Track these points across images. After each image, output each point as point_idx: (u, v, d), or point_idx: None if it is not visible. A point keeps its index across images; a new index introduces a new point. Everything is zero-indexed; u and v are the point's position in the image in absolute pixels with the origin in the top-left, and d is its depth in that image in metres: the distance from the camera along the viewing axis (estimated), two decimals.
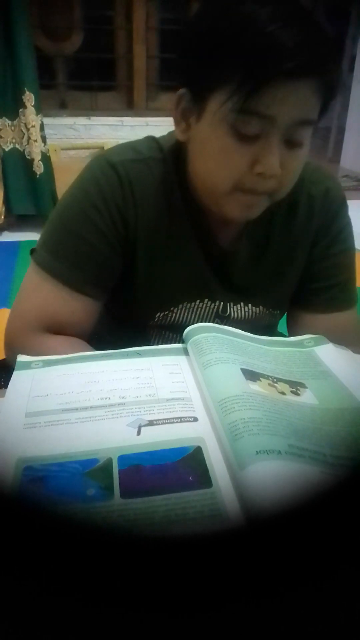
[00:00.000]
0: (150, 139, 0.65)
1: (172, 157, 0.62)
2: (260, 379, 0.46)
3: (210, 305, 0.68)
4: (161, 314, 0.68)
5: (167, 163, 0.62)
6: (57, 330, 0.61)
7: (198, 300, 0.68)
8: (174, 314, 0.68)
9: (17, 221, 2.84)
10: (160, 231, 0.63)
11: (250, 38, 0.47)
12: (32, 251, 0.63)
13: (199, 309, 0.68)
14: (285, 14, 0.47)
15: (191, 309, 0.68)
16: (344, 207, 0.69)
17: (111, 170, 0.60)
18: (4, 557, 0.29)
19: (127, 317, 0.70)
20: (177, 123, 0.58)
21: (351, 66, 3.88)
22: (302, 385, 0.46)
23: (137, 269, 0.64)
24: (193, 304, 0.68)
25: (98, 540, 0.30)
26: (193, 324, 0.53)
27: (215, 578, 0.28)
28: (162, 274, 0.65)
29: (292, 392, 0.45)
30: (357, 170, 3.84)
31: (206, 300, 0.68)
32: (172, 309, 0.68)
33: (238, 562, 0.29)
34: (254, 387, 0.44)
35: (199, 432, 0.40)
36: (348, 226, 0.70)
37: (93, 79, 3.08)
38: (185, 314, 0.68)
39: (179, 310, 0.68)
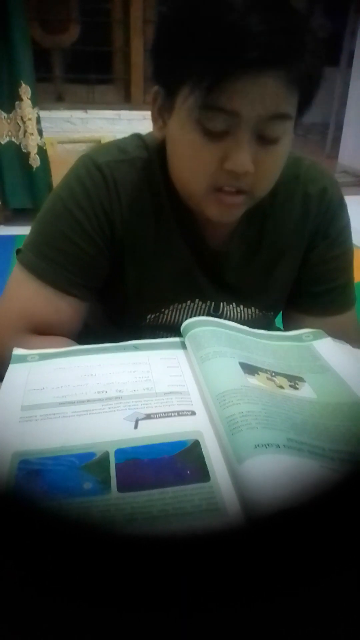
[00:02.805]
0: (136, 137, 0.64)
1: (157, 156, 0.61)
2: (259, 372, 0.45)
3: (202, 305, 0.68)
4: (152, 315, 0.67)
5: (153, 162, 0.61)
6: (43, 331, 0.60)
7: (189, 301, 0.67)
8: (165, 315, 0.67)
9: (13, 215, 2.82)
10: (148, 232, 0.62)
11: (209, 30, 0.45)
12: (18, 251, 0.62)
13: (190, 309, 0.68)
14: (250, 2, 0.45)
15: (182, 309, 0.67)
16: (341, 207, 0.67)
17: (96, 171, 0.59)
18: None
19: (120, 317, 0.69)
20: (154, 121, 0.57)
21: (350, 62, 3.87)
22: (301, 380, 0.46)
23: (126, 271, 0.64)
24: (184, 304, 0.67)
25: (94, 537, 0.30)
26: None
27: (214, 576, 0.28)
28: (151, 275, 0.64)
29: (290, 386, 0.45)
30: (355, 167, 3.83)
31: (197, 301, 0.67)
32: (163, 310, 0.67)
33: (237, 560, 0.29)
34: (252, 380, 0.43)
35: (196, 425, 0.40)
36: (347, 227, 0.68)
37: (90, 72, 3.06)
38: (177, 314, 0.68)
39: (170, 312, 0.67)
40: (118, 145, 0.63)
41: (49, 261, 0.59)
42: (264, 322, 0.72)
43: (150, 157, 0.61)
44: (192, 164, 0.53)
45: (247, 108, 0.47)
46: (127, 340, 0.54)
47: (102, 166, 0.59)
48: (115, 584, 0.27)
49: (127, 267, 0.64)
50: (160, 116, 0.56)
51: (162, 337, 0.69)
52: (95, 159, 0.60)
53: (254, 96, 0.47)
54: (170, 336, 0.55)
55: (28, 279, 0.60)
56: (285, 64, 0.46)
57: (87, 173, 0.60)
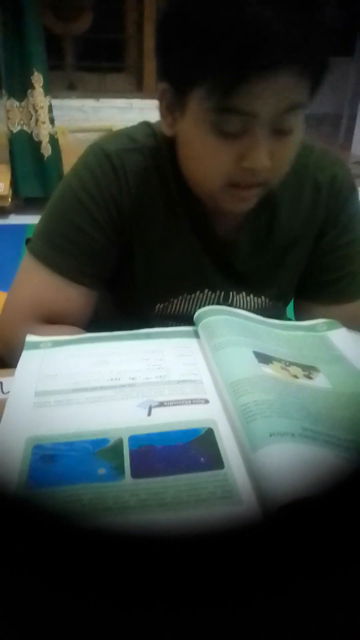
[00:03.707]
0: (145, 125, 0.63)
1: (166, 145, 0.61)
2: (273, 362, 0.45)
3: (211, 295, 0.67)
4: (161, 305, 0.67)
5: (162, 151, 0.61)
6: (52, 320, 0.60)
7: (198, 292, 0.67)
8: (174, 305, 0.67)
9: (25, 204, 2.82)
10: (157, 221, 0.62)
11: (223, 32, 0.44)
12: (28, 241, 0.62)
13: (200, 300, 0.67)
14: (259, 1, 0.43)
15: (191, 300, 0.67)
16: (353, 194, 0.66)
17: (106, 159, 0.59)
18: (9, 545, 0.29)
19: (129, 307, 0.69)
20: (163, 117, 0.56)
21: None
22: (315, 369, 0.46)
23: (135, 260, 0.64)
24: (193, 295, 0.67)
25: (104, 533, 0.30)
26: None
27: (228, 567, 0.28)
28: (159, 265, 0.64)
29: (304, 375, 0.44)
30: None
31: (206, 291, 0.67)
32: (171, 300, 0.67)
33: (252, 551, 0.28)
34: (266, 370, 0.43)
35: (210, 414, 0.40)
36: (357, 214, 0.67)
37: (102, 60, 3.04)
38: (186, 305, 0.67)
39: (179, 302, 0.67)
40: (127, 134, 0.62)
41: (59, 250, 0.59)
42: (274, 312, 0.72)
43: (159, 145, 0.61)
44: (207, 164, 0.53)
45: (264, 108, 0.47)
46: (137, 329, 0.54)
47: (111, 155, 0.59)
48: (126, 580, 0.27)
49: (136, 256, 0.63)
50: (170, 113, 0.55)
51: (170, 327, 0.69)
52: (105, 147, 0.60)
53: (272, 95, 0.46)
54: (180, 326, 0.55)
55: (38, 268, 0.60)
56: (300, 61, 0.45)
57: (97, 162, 0.59)
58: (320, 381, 0.44)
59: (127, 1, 2.92)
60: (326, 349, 0.50)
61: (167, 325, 0.68)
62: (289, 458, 0.32)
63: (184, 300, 0.67)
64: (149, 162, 0.60)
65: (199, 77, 0.47)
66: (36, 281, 0.61)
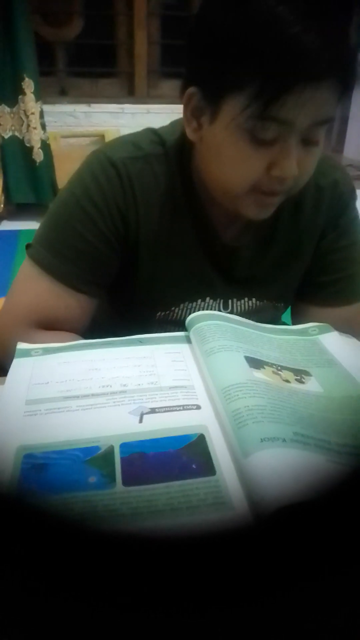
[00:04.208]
0: (151, 132, 0.63)
1: (175, 152, 0.60)
2: (264, 366, 0.45)
3: (212, 303, 0.68)
4: (162, 313, 0.67)
5: (170, 159, 0.60)
6: (50, 327, 0.60)
7: (199, 300, 0.67)
8: (175, 313, 0.67)
9: (17, 210, 2.82)
10: (162, 230, 0.62)
11: (269, 41, 0.44)
12: (28, 246, 0.62)
13: (201, 308, 0.67)
14: (303, 12, 0.44)
15: (193, 308, 0.67)
16: (353, 198, 0.67)
17: (111, 168, 0.58)
18: (2, 549, 0.28)
19: (129, 314, 0.69)
20: (187, 122, 0.55)
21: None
22: (307, 373, 0.46)
23: (139, 269, 0.63)
24: (195, 303, 0.67)
25: (98, 535, 0.30)
26: None
27: (220, 573, 0.27)
28: (163, 273, 0.64)
29: (296, 380, 0.44)
30: None
31: (208, 299, 0.67)
32: (173, 308, 0.67)
33: (243, 555, 0.28)
34: (258, 374, 0.43)
35: (202, 420, 0.40)
36: (356, 219, 0.68)
37: (93, 65, 3.04)
38: (187, 313, 0.67)
39: (180, 310, 0.67)
40: (132, 141, 0.61)
41: (61, 257, 0.59)
42: (273, 313, 0.72)
43: (167, 153, 0.61)
44: (237, 170, 0.53)
45: (302, 117, 0.48)
46: (135, 334, 0.54)
47: (117, 163, 0.58)
48: (119, 582, 0.27)
49: (141, 265, 0.63)
50: (195, 118, 0.54)
51: (170, 331, 0.69)
52: (110, 155, 0.59)
53: (310, 106, 0.47)
54: (180, 330, 0.55)
55: (38, 274, 0.60)
56: (340, 74, 0.47)
57: (102, 170, 0.59)
58: (312, 385, 0.44)
59: (117, 6, 2.93)
60: (318, 352, 0.50)
61: (166, 330, 0.68)
62: (280, 463, 0.32)
63: (185, 308, 0.67)
64: (154, 171, 0.60)
65: (240, 84, 0.47)
66: (36, 287, 0.60)
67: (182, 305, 0.67)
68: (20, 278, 0.62)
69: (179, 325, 0.66)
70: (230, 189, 0.55)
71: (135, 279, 0.64)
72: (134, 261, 0.63)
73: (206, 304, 0.67)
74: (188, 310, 0.67)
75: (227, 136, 0.51)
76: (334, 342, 0.52)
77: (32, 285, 0.60)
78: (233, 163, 0.52)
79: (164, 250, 0.63)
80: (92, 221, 0.58)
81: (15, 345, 0.51)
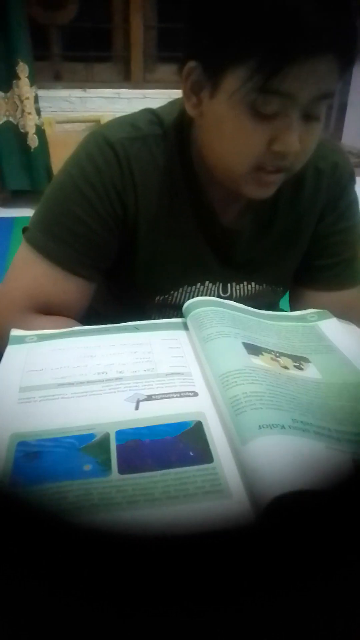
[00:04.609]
0: (149, 112, 0.62)
1: (173, 132, 0.59)
2: (263, 353, 0.44)
3: (211, 287, 0.67)
4: (161, 298, 0.66)
5: (168, 140, 0.59)
6: (48, 311, 0.59)
7: (199, 284, 0.66)
8: (173, 297, 0.66)
9: (12, 197, 2.79)
10: (161, 212, 0.61)
11: (271, 13, 0.44)
12: (24, 230, 0.61)
13: (200, 292, 0.67)
14: None
15: (191, 292, 0.67)
16: (352, 182, 0.67)
17: (109, 148, 0.57)
18: None
19: (128, 298, 0.68)
20: (186, 97, 0.54)
21: None
22: (306, 360, 0.45)
23: (138, 252, 0.62)
24: (194, 287, 0.66)
25: (93, 530, 0.29)
26: None
27: (220, 565, 0.27)
28: (162, 256, 0.63)
29: (295, 366, 0.44)
30: (359, 147, 3.78)
31: (207, 283, 0.66)
32: (172, 292, 0.66)
33: (244, 549, 0.28)
34: (256, 361, 0.42)
35: (199, 407, 0.39)
36: (355, 202, 0.68)
37: (89, 49, 2.99)
38: (185, 297, 0.67)
39: (179, 294, 0.66)
40: (130, 122, 0.60)
41: (58, 241, 0.58)
42: (272, 297, 0.72)
43: (165, 133, 0.59)
44: (238, 145, 0.52)
45: (304, 91, 0.47)
46: (133, 320, 0.53)
47: (114, 144, 0.57)
48: (116, 578, 0.26)
49: (140, 247, 0.62)
50: (194, 93, 0.53)
51: (169, 315, 0.68)
52: (108, 136, 0.58)
53: (312, 79, 0.47)
54: (177, 314, 0.54)
55: (35, 258, 0.59)
56: (340, 48, 0.46)
57: (99, 150, 0.57)
58: (310, 372, 0.43)
59: None
60: (317, 339, 0.50)
61: (165, 314, 0.68)
62: (279, 450, 0.32)
63: (184, 292, 0.66)
64: (153, 151, 0.59)
65: (241, 56, 0.46)
66: (33, 272, 0.59)
67: (181, 289, 0.66)
68: (17, 262, 0.61)
69: (178, 309, 0.65)
70: (232, 166, 0.54)
71: (133, 262, 0.63)
72: (132, 244, 0.62)
73: (205, 288, 0.67)
74: (187, 294, 0.66)
75: (227, 110, 0.50)
76: (332, 328, 0.52)
77: (29, 270, 0.60)
78: (234, 138, 0.51)
79: (162, 233, 0.62)
80: (89, 203, 0.57)
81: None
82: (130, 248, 0.62)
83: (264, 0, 0.44)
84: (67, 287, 0.59)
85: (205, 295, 0.67)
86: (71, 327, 0.54)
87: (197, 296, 0.67)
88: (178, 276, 0.65)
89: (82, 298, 0.61)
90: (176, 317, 0.55)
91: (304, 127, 0.50)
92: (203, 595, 0.25)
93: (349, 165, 0.67)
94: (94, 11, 2.93)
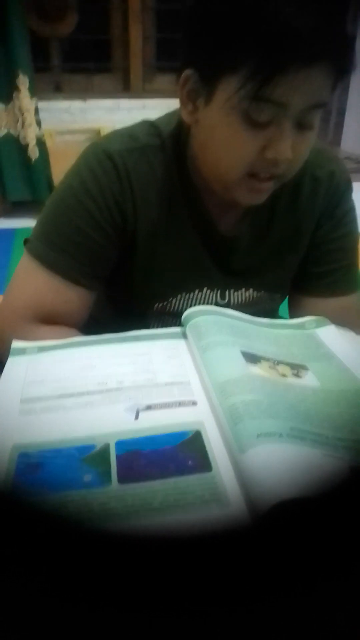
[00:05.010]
0: (148, 124, 0.63)
1: (171, 143, 0.61)
2: (261, 361, 0.45)
3: (210, 294, 0.68)
4: (160, 305, 0.67)
5: (166, 150, 0.60)
6: (49, 321, 0.60)
7: (197, 290, 0.67)
8: (172, 304, 0.67)
9: (13, 208, 2.81)
10: (159, 221, 0.62)
11: (264, 22, 0.45)
12: (26, 241, 0.62)
13: (198, 298, 0.67)
14: None
15: (190, 299, 0.67)
16: (349, 190, 0.68)
17: (108, 160, 0.58)
18: None
19: (127, 306, 0.69)
20: (183, 104, 0.55)
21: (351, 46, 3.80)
22: (304, 368, 0.46)
23: (137, 260, 0.63)
24: (192, 294, 0.67)
25: (94, 534, 0.30)
26: None
27: (217, 570, 0.27)
28: (161, 264, 0.64)
29: (293, 374, 0.44)
30: (358, 152, 3.79)
31: (205, 289, 0.67)
32: (170, 299, 0.67)
33: (241, 554, 0.28)
34: (255, 369, 0.43)
35: (198, 416, 0.39)
36: (352, 210, 0.68)
37: (88, 61, 3.02)
38: (184, 303, 0.67)
39: (178, 301, 0.67)
40: (129, 133, 0.61)
41: (59, 251, 0.59)
42: (270, 304, 0.72)
43: (163, 144, 0.61)
44: (232, 152, 0.53)
45: (296, 100, 0.48)
46: (132, 328, 0.54)
47: (113, 155, 0.59)
48: (116, 582, 0.27)
49: (139, 256, 0.63)
50: (191, 101, 0.54)
51: (168, 322, 0.69)
52: (107, 147, 0.59)
53: (304, 88, 0.47)
54: (177, 321, 0.54)
55: (37, 268, 0.60)
56: (333, 58, 0.47)
57: (99, 162, 0.59)
58: (308, 379, 0.44)
59: (112, 2, 2.91)
60: (315, 346, 0.50)
61: (164, 321, 0.68)
62: (277, 459, 0.32)
63: (182, 299, 0.67)
64: (151, 162, 0.60)
65: (235, 65, 0.47)
66: (35, 282, 0.60)
67: (179, 296, 0.67)
68: (19, 273, 0.62)
69: (177, 316, 0.66)
70: (225, 173, 0.55)
71: (133, 270, 0.64)
72: (131, 252, 0.63)
73: (203, 295, 0.67)
74: (185, 301, 0.67)
75: (222, 117, 0.51)
76: (330, 335, 0.52)
77: (31, 280, 0.60)
78: (227, 145, 0.52)
79: (161, 241, 0.63)
80: (89, 214, 0.58)
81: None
82: (129, 256, 0.63)
83: (257, 10, 0.45)
84: (69, 296, 0.60)
85: (204, 302, 0.68)
86: (72, 336, 0.55)
87: (196, 303, 0.67)
88: (176, 283, 0.66)
89: (83, 307, 0.62)
90: (175, 323, 0.56)
91: (296, 135, 0.51)
92: (200, 599, 0.25)
93: (345, 173, 0.67)
94: (93, 23, 2.96)
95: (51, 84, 2.97)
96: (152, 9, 2.94)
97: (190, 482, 0.33)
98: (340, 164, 0.68)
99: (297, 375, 0.44)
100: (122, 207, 0.59)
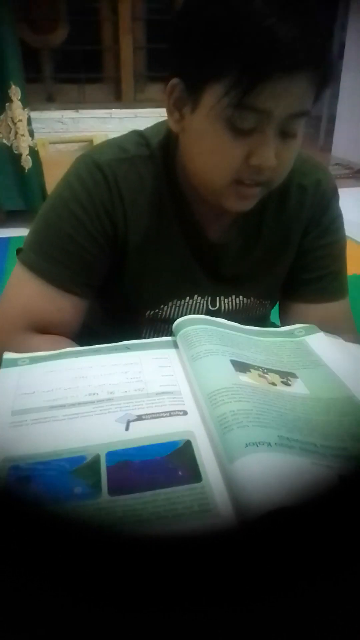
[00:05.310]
0: (137, 135, 0.64)
1: (160, 152, 0.62)
2: (250, 370, 0.45)
3: (200, 301, 0.68)
4: (151, 312, 0.68)
5: (155, 160, 0.62)
6: (43, 330, 0.61)
7: (188, 297, 0.68)
8: (163, 312, 0.68)
9: (7, 217, 2.81)
10: (150, 230, 0.63)
11: (247, 32, 0.46)
12: (18, 251, 0.62)
13: (189, 305, 0.68)
14: (281, 4, 0.46)
15: (181, 306, 0.68)
16: (335, 198, 0.69)
17: (98, 171, 0.60)
18: None
19: (119, 314, 0.69)
20: (170, 113, 0.57)
21: (341, 53, 3.85)
22: (293, 375, 0.46)
23: (128, 269, 0.64)
24: (183, 301, 0.68)
25: (86, 540, 0.30)
26: None
27: (206, 578, 0.27)
28: (151, 272, 0.65)
29: (282, 382, 0.44)
30: (348, 159, 3.83)
31: (196, 297, 0.68)
32: (161, 307, 0.67)
33: (230, 562, 0.28)
34: (244, 378, 0.43)
35: (188, 425, 0.40)
36: (339, 217, 0.69)
37: (80, 71, 3.05)
38: (176, 311, 0.68)
39: (169, 308, 0.68)
40: (118, 144, 0.63)
41: (52, 260, 0.60)
42: (261, 311, 0.73)
43: (152, 154, 0.62)
44: (217, 159, 0.53)
45: (279, 108, 0.49)
46: (125, 336, 0.54)
47: (103, 165, 0.60)
48: (110, 586, 0.27)
49: (129, 265, 0.64)
50: (177, 109, 0.55)
51: (161, 329, 0.69)
52: (96, 158, 0.60)
53: (286, 96, 0.48)
54: (169, 327, 0.55)
55: (30, 278, 0.60)
56: (315, 66, 0.48)
57: (88, 173, 0.60)
58: (298, 387, 0.44)
59: (103, 12, 2.94)
60: (304, 354, 0.50)
61: (157, 328, 0.69)
62: (265, 468, 0.32)
63: (173, 307, 0.68)
64: (140, 172, 0.61)
65: (219, 73, 0.48)
66: (28, 291, 0.61)
67: (170, 303, 0.67)
68: (12, 283, 0.63)
69: (169, 323, 0.67)
70: (212, 180, 0.55)
71: (124, 279, 0.65)
72: (122, 260, 0.64)
73: (194, 302, 0.68)
74: (176, 308, 0.68)
75: (207, 125, 0.52)
76: (320, 343, 0.52)
77: (24, 289, 0.61)
78: (213, 152, 0.53)
79: (151, 249, 0.63)
80: (80, 223, 0.59)
81: (10, 350, 0.51)
82: (121, 265, 0.64)
83: (241, 20, 0.46)
84: (62, 305, 0.61)
85: (195, 309, 0.69)
86: (66, 346, 0.55)
87: (187, 310, 0.68)
88: (167, 291, 0.67)
89: (76, 315, 0.63)
90: (168, 330, 0.56)
91: (280, 143, 0.52)
92: (189, 607, 0.26)
93: (331, 181, 0.68)
94: (84, 33, 2.99)
95: (43, 94, 2.99)
96: (143, 19, 2.97)
97: (180, 493, 0.33)
98: (326, 172, 0.69)
99: (286, 384, 0.44)
100: (112, 216, 0.60)
